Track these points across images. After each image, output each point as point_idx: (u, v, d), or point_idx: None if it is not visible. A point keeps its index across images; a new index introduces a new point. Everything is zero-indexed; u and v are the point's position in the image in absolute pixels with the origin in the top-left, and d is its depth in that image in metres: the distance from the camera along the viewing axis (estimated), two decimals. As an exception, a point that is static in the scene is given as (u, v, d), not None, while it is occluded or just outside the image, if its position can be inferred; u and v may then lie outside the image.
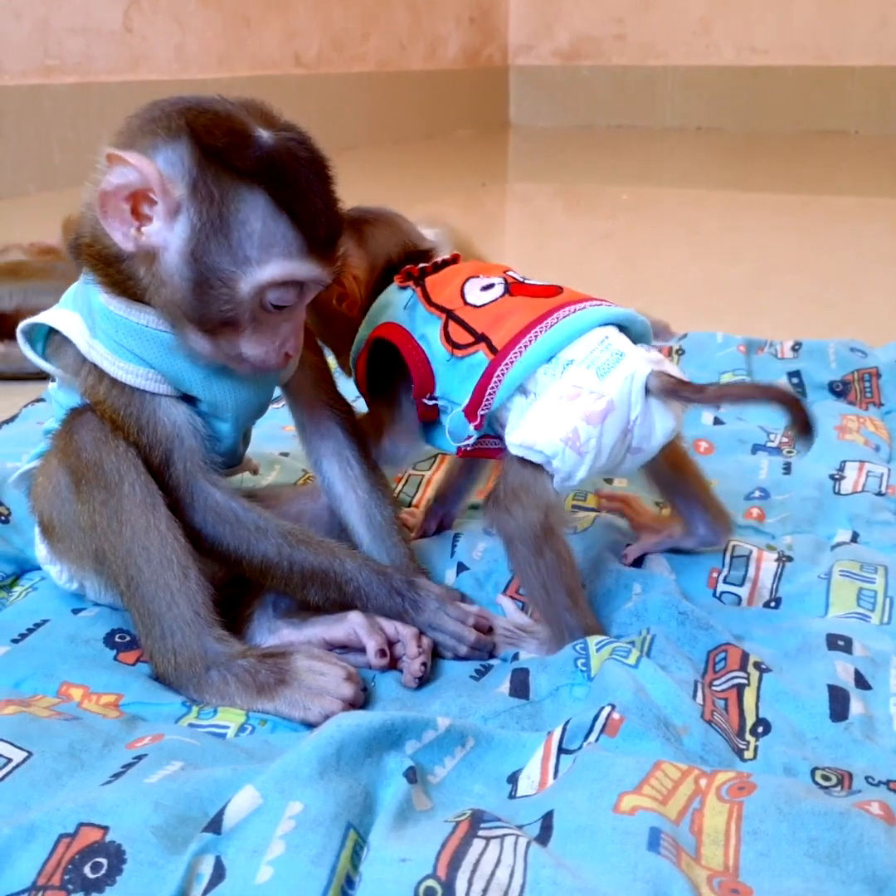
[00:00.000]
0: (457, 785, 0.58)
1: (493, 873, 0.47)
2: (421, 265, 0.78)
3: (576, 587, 0.70)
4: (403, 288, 0.77)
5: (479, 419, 0.71)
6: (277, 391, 0.78)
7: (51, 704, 0.65)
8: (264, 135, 0.62)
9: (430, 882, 0.46)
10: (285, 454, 1.03)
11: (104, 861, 0.49)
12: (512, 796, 0.58)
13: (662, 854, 0.49)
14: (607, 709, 0.60)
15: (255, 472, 0.86)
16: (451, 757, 0.59)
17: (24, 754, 0.57)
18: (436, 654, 0.71)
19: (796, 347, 1.30)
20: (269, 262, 0.62)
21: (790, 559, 0.83)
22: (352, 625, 0.70)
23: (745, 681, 0.66)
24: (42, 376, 0.75)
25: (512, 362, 0.70)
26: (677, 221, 2.61)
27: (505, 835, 0.50)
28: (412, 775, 0.55)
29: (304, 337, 0.71)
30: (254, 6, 3.16)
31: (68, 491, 0.69)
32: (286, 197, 0.62)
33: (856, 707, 0.64)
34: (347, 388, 0.82)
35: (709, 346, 1.31)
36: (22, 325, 0.72)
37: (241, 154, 0.61)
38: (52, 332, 0.72)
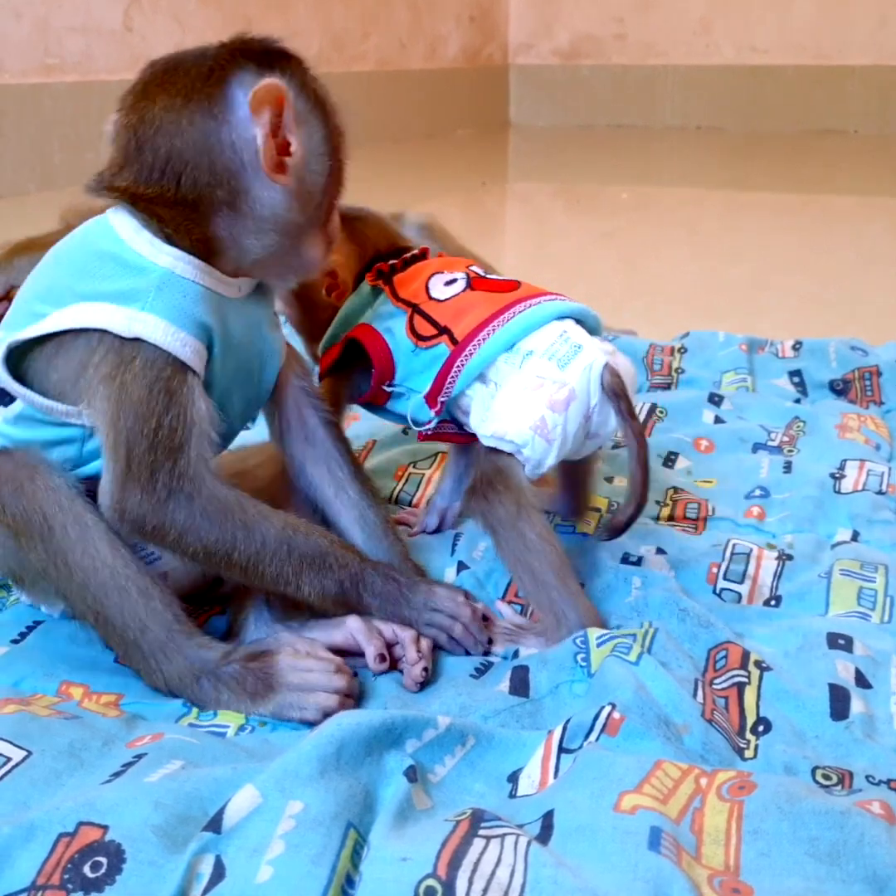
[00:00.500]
0: (457, 784, 0.58)
1: (493, 873, 0.47)
2: (391, 263, 0.83)
3: (563, 567, 0.72)
4: (374, 286, 0.82)
5: (439, 405, 0.76)
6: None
7: (51, 703, 0.65)
8: (255, 37, 0.70)
9: (431, 881, 0.46)
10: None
11: (104, 860, 0.49)
12: (512, 796, 0.57)
13: (663, 853, 0.49)
14: (608, 708, 0.60)
15: None
16: (452, 756, 0.59)
17: (24, 753, 0.57)
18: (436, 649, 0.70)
19: (797, 346, 1.30)
20: (338, 111, 0.70)
21: (790, 558, 0.83)
22: (350, 630, 0.69)
23: (745, 679, 0.66)
24: None
25: (472, 353, 0.74)
26: (677, 221, 2.61)
27: (505, 834, 0.50)
28: (412, 774, 0.55)
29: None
30: (254, 5, 3.16)
31: (12, 544, 0.67)
32: (308, 66, 0.70)
33: (856, 706, 0.64)
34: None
35: (711, 344, 1.31)
36: (9, 345, 0.66)
37: (273, 50, 0.69)
38: (24, 352, 0.66)
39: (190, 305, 0.65)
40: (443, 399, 0.76)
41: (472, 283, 0.79)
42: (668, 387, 1.25)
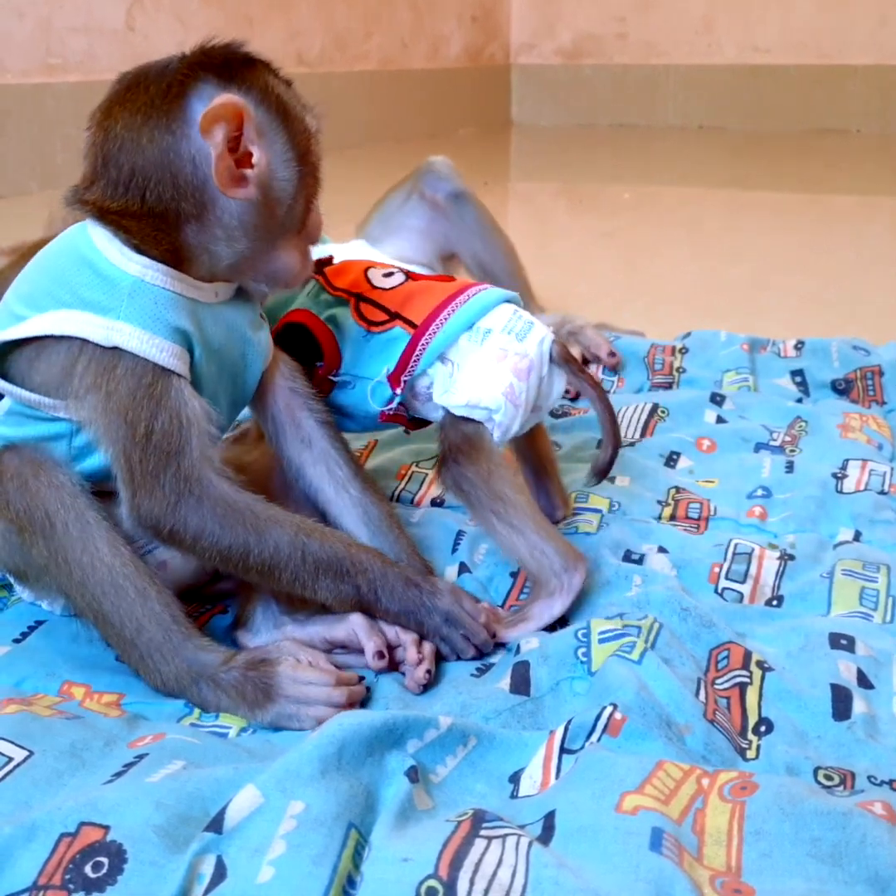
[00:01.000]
0: (458, 784, 0.58)
1: (495, 873, 0.47)
2: (318, 259, 0.85)
3: (540, 517, 0.77)
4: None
5: (402, 384, 0.80)
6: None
7: (52, 703, 0.65)
8: (219, 44, 0.68)
9: (432, 882, 0.46)
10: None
11: (105, 860, 0.49)
12: (514, 796, 0.57)
13: (664, 854, 0.49)
14: (609, 708, 0.60)
15: None
16: (453, 756, 0.59)
17: (26, 753, 0.57)
18: (438, 655, 0.70)
19: (799, 346, 1.29)
20: (307, 113, 0.69)
21: (792, 558, 0.83)
22: (352, 625, 0.70)
23: (747, 679, 0.66)
24: None
25: (435, 332, 0.79)
26: (679, 220, 2.61)
27: (507, 835, 0.49)
28: (414, 774, 0.55)
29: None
30: (256, 5, 3.16)
31: (15, 539, 0.68)
32: (272, 70, 0.69)
33: (858, 706, 0.64)
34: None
35: (712, 344, 1.31)
36: None
37: (234, 55, 0.67)
38: (5, 352, 0.67)
39: (162, 312, 0.66)
40: (406, 378, 0.79)
41: (410, 276, 0.85)
42: (669, 386, 1.25)
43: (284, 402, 0.76)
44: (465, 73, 4.22)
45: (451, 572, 0.81)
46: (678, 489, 0.95)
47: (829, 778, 0.58)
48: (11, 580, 0.76)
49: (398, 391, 0.80)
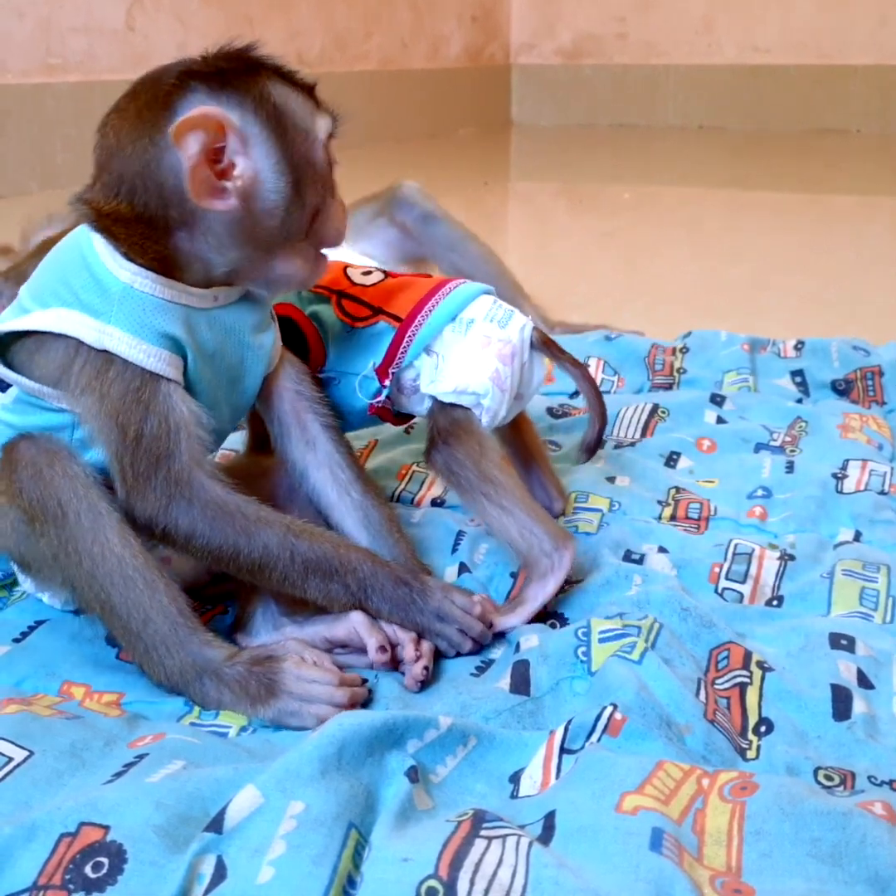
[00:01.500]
0: (458, 784, 0.58)
1: (495, 873, 0.47)
2: None
3: (528, 499, 0.78)
4: None
5: (390, 376, 0.81)
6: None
7: (52, 703, 0.65)
8: (230, 49, 0.68)
9: (432, 882, 0.46)
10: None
11: (105, 860, 0.49)
12: (514, 796, 0.57)
13: (664, 854, 0.49)
14: (609, 708, 0.60)
15: None
16: (453, 756, 0.59)
17: (26, 753, 0.57)
18: (437, 655, 0.70)
19: (799, 346, 1.29)
20: (316, 123, 0.69)
21: (792, 558, 0.83)
22: (352, 623, 0.70)
23: (747, 679, 0.66)
24: None
25: (420, 324, 0.81)
26: (679, 220, 2.61)
27: (507, 835, 0.49)
28: (414, 774, 0.55)
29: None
30: (256, 5, 3.16)
31: (25, 528, 0.68)
32: (284, 74, 0.69)
33: (859, 706, 0.64)
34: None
35: (713, 344, 1.31)
36: None
37: (237, 62, 0.67)
38: (12, 342, 0.69)
39: (150, 319, 0.66)
40: (393, 370, 0.81)
41: (388, 274, 0.87)
42: (669, 387, 1.25)
43: (291, 404, 0.76)
44: (465, 73, 4.22)
45: (451, 572, 0.82)
46: (678, 489, 0.95)
47: (829, 778, 0.58)
48: (15, 570, 0.76)
49: (386, 384, 0.81)
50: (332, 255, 0.88)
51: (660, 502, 0.93)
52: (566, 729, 0.59)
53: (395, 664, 0.69)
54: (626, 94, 4.31)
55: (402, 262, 1.31)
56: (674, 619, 0.71)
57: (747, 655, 0.67)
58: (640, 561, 0.82)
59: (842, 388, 1.21)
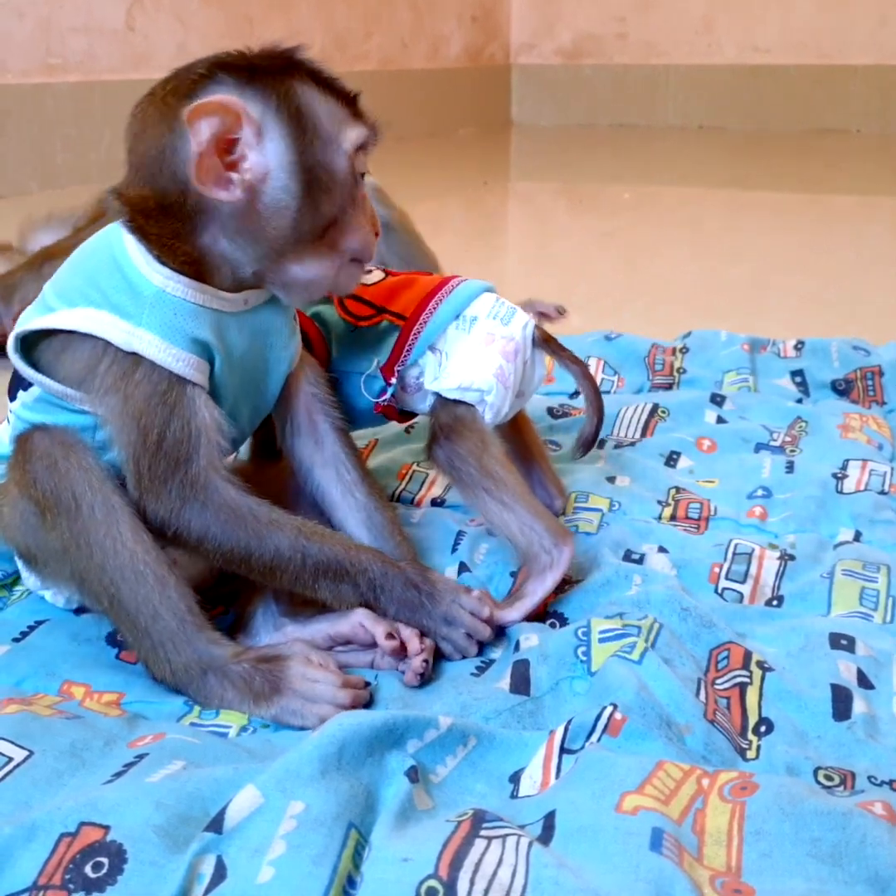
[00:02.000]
0: (458, 784, 0.58)
1: (495, 873, 0.47)
2: None
3: (529, 495, 0.79)
4: None
5: (395, 375, 0.82)
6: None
7: (52, 703, 0.65)
8: (272, 49, 0.68)
9: (432, 882, 0.46)
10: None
11: (105, 860, 0.49)
12: (514, 796, 0.57)
13: (664, 854, 0.49)
14: (609, 708, 0.60)
15: None
16: (453, 756, 0.59)
17: (26, 753, 0.57)
18: (437, 654, 0.70)
19: (799, 346, 1.29)
20: (343, 131, 0.68)
21: (792, 558, 0.83)
22: (357, 618, 0.70)
23: (747, 679, 0.66)
24: None
25: (425, 322, 0.82)
26: (679, 220, 2.61)
27: (507, 835, 0.49)
28: (414, 774, 0.55)
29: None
30: (256, 5, 3.16)
31: (35, 520, 0.68)
32: (322, 79, 0.68)
33: (859, 706, 0.64)
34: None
35: (713, 344, 1.31)
36: (17, 332, 0.69)
37: (273, 61, 0.67)
38: (38, 341, 0.69)
39: (181, 323, 0.67)
40: (399, 368, 0.82)
41: (389, 273, 0.87)
42: (669, 387, 1.25)
43: (305, 405, 0.77)
44: (465, 72, 4.22)
45: (451, 572, 0.82)
46: (678, 489, 0.95)
47: (829, 778, 0.58)
48: (20, 565, 0.76)
49: (392, 382, 0.82)
50: None
51: (660, 502, 0.93)
52: (566, 729, 0.59)
53: (403, 652, 0.69)
54: (626, 94, 4.31)
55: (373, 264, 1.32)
56: (674, 619, 0.71)
57: (747, 655, 0.67)
58: (640, 561, 0.82)
59: (842, 388, 1.22)
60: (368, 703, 0.66)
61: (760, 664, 0.67)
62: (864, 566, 0.80)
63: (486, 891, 0.46)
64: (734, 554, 0.83)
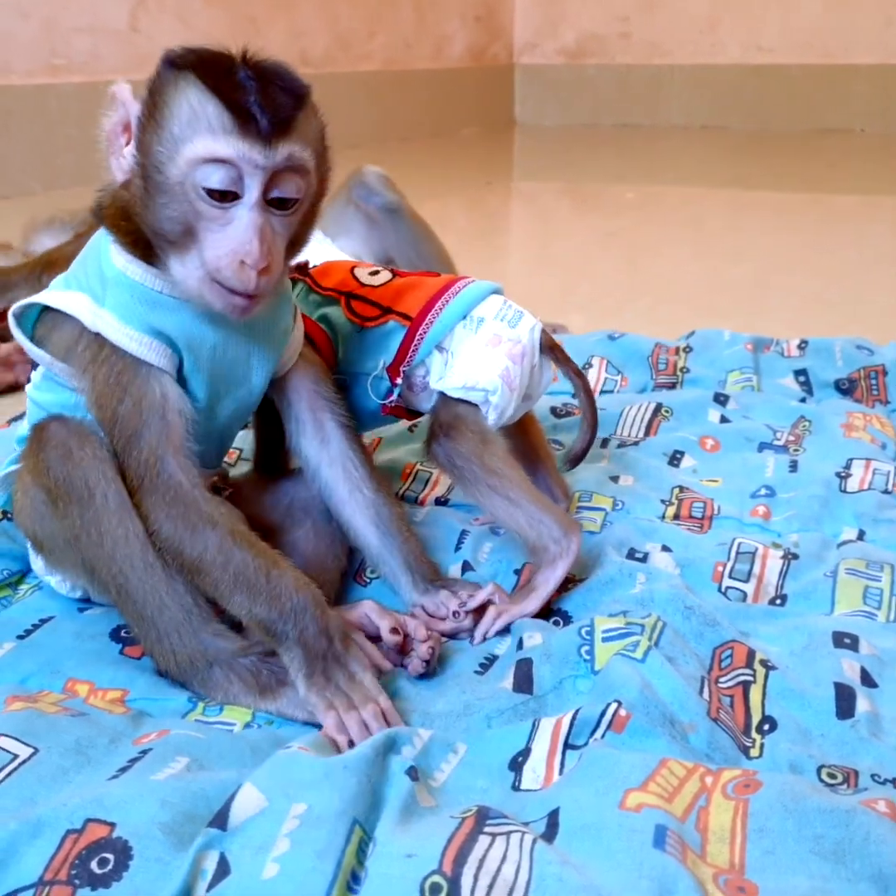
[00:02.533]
0: (459, 784, 0.58)
1: (498, 869, 0.47)
2: (301, 261, 0.87)
3: (531, 488, 0.79)
4: (293, 280, 0.86)
5: (400, 375, 0.82)
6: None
7: (57, 700, 0.65)
8: (223, 51, 0.64)
9: (436, 878, 0.46)
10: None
11: (111, 857, 0.49)
12: (516, 788, 0.58)
13: (668, 851, 0.49)
14: (614, 705, 0.60)
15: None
16: (447, 763, 0.59)
17: (31, 750, 0.57)
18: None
19: (803, 345, 1.29)
20: (193, 139, 0.62)
21: (796, 557, 0.83)
22: (364, 609, 0.71)
23: (751, 678, 0.66)
24: None
25: (431, 322, 0.82)
26: (682, 220, 2.61)
27: (511, 831, 0.50)
28: (414, 773, 0.55)
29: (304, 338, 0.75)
30: (259, 6, 3.16)
31: (46, 508, 0.68)
32: (216, 82, 0.62)
33: (862, 705, 0.64)
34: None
35: (716, 343, 1.31)
36: (14, 308, 0.71)
37: (186, 55, 0.64)
38: (41, 316, 0.71)
39: (137, 306, 0.67)
40: (404, 368, 0.82)
41: (396, 273, 0.87)
42: (673, 386, 1.25)
43: (308, 403, 0.77)
44: (469, 72, 4.22)
45: (455, 570, 0.82)
46: (682, 488, 0.95)
47: (832, 776, 0.58)
48: (29, 549, 0.77)
49: (397, 382, 0.82)
50: (316, 250, 0.89)
51: (663, 501, 0.93)
52: (572, 722, 0.60)
53: (404, 650, 0.69)
54: (630, 94, 4.31)
55: (379, 259, 1.31)
56: (677, 618, 0.71)
57: (751, 654, 0.67)
58: (644, 560, 0.82)
59: (845, 388, 1.21)
60: None
61: (764, 663, 0.67)
62: (867, 565, 0.80)
63: (490, 887, 0.46)
64: (737, 553, 0.83)
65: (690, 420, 1.12)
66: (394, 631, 0.69)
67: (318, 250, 1.01)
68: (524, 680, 0.67)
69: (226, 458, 0.99)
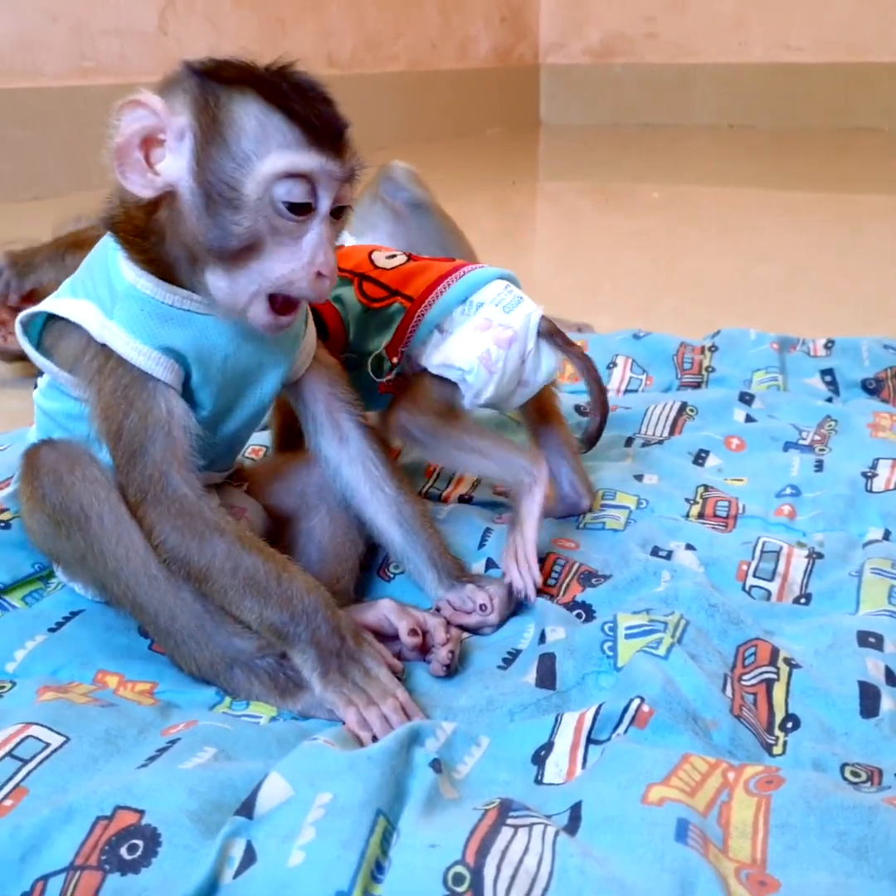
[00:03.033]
0: (482, 776, 0.59)
1: (521, 861, 0.48)
2: None
3: (499, 439, 0.83)
4: None
5: (399, 355, 0.84)
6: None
7: (87, 691, 0.66)
8: (259, 64, 0.65)
9: (459, 868, 0.47)
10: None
11: (140, 843, 0.50)
12: (539, 782, 0.58)
13: (690, 845, 0.49)
14: (637, 701, 0.60)
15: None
16: (470, 755, 0.60)
17: (62, 739, 0.59)
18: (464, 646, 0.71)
19: (829, 345, 1.29)
20: (269, 154, 0.62)
21: (820, 556, 0.82)
22: (382, 610, 0.71)
23: (774, 676, 0.66)
24: None
25: (431, 304, 0.84)
26: (708, 219, 2.59)
27: (533, 824, 0.50)
28: (437, 766, 0.56)
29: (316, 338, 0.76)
30: (288, 7, 3.18)
31: (50, 530, 0.69)
32: (277, 95, 0.63)
33: (887, 704, 0.63)
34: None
35: (742, 343, 1.31)
36: (21, 316, 0.71)
37: (233, 69, 0.64)
38: (48, 323, 0.71)
39: (147, 320, 0.67)
40: (403, 349, 0.84)
41: (412, 257, 0.89)
42: (698, 385, 1.25)
43: (325, 404, 0.77)
44: (494, 73, 4.22)
45: (478, 567, 0.82)
46: (707, 487, 0.95)
47: (855, 774, 0.58)
48: (52, 563, 0.79)
49: (394, 361, 0.84)
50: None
51: (688, 500, 0.93)
52: (595, 716, 0.60)
53: (424, 649, 0.70)
54: (656, 94, 4.29)
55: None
56: (701, 616, 0.71)
57: (774, 652, 0.67)
58: (668, 558, 0.82)
59: (872, 387, 1.21)
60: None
61: (788, 661, 0.67)
62: (892, 564, 0.79)
63: (512, 878, 0.47)
64: (762, 552, 0.83)
65: (715, 419, 1.11)
66: (413, 632, 0.69)
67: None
68: (547, 675, 0.67)
69: (250, 455, 1.00)
